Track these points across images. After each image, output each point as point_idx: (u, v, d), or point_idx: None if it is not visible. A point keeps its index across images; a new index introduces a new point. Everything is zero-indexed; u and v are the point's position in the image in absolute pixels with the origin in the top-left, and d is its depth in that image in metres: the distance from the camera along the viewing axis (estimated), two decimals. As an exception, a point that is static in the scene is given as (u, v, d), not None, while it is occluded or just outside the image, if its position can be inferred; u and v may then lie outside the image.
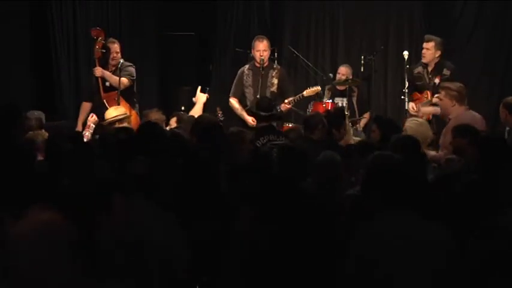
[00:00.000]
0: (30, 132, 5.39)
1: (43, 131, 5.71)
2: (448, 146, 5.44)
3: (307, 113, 7.85)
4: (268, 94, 7.49)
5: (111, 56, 7.37)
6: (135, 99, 7.46)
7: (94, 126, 6.90)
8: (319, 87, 7.72)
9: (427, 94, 7.31)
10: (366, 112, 8.33)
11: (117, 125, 6.34)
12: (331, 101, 8.01)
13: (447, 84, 6.43)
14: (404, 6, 9.28)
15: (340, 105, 8.02)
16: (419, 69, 7.55)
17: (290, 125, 7.72)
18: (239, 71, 7.73)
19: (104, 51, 7.30)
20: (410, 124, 5.73)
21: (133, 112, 7.19)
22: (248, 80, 7.59)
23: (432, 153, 5.77)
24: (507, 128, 6.02)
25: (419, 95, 7.47)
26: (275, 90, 7.55)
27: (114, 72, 7.29)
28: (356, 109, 8.26)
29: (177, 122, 6.58)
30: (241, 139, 5.11)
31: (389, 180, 3.03)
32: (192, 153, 4.32)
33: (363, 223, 3.02)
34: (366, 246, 2.90)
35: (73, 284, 2.56)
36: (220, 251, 3.42)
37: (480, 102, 7.59)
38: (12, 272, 2.47)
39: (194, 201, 3.63)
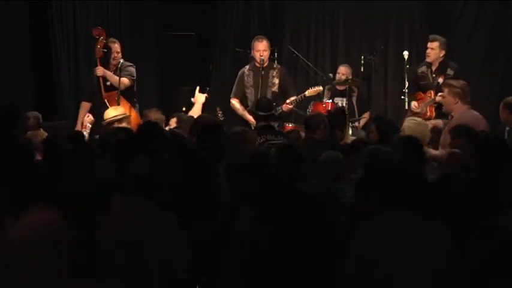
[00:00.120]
0: (29, 132, 5.39)
1: (41, 130, 5.71)
2: (448, 145, 5.46)
3: (307, 113, 7.85)
4: (269, 94, 7.50)
5: (112, 56, 7.37)
6: (135, 99, 7.46)
7: (90, 125, 6.91)
8: (320, 87, 7.72)
9: (431, 93, 7.32)
10: (366, 112, 8.33)
11: (116, 125, 6.34)
12: (331, 101, 8.01)
13: (451, 81, 6.46)
14: (404, 6, 9.28)
15: (340, 105, 8.02)
16: (423, 68, 7.55)
17: (290, 125, 7.72)
18: (239, 72, 7.73)
19: (106, 50, 7.29)
20: (408, 124, 5.74)
21: (134, 112, 7.19)
22: (249, 80, 7.59)
23: (432, 151, 5.79)
24: (507, 128, 6.02)
25: (422, 94, 7.47)
26: (276, 90, 7.56)
27: (114, 72, 7.29)
28: (356, 109, 8.26)
29: (177, 122, 6.59)
30: (245, 138, 5.11)
31: (389, 180, 3.03)
32: (191, 153, 4.32)
33: (363, 223, 3.02)
34: (366, 246, 2.90)
35: (73, 284, 2.56)
36: (220, 251, 3.42)
37: (480, 102, 7.59)
38: (12, 272, 2.47)
39: (194, 201, 3.63)
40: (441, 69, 7.42)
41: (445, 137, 5.76)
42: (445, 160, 5.00)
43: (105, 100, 7.16)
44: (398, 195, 2.99)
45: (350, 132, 7.15)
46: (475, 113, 6.14)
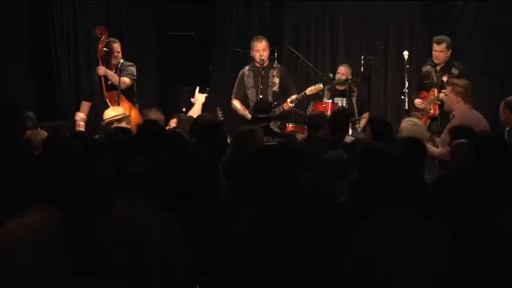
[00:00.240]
0: (29, 132, 5.39)
1: (38, 129, 5.70)
2: (447, 144, 5.48)
3: (307, 112, 7.86)
4: (270, 94, 7.51)
5: (113, 56, 7.37)
6: (135, 99, 7.47)
7: (83, 123, 6.92)
8: (321, 85, 7.71)
9: (434, 91, 7.32)
10: (366, 112, 8.33)
11: (115, 125, 6.34)
12: (331, 101, 8.01)
13: (454, 80, 6.48)
14: (404, 6, 9.29)
15: (340, 105, 8.02)
16: (428, 68, 7.55)
17: (291, 125, 7.73)
18: (240, 73, 7.74)
19: (107, 50, 7.29)
20: (405, 125, 5.74)
21: (135, 111, 7.19)
22: (249, 81, 7.60)
23: (433, 149, 5.80)
24: (507, 128, 6.03)
25: (426, 93, 7.47)
26: (277, 90, 7.56)
27: (114, 72, 7.29)
28: (356, 109, 8.26)
29: (177, 123, 6.59)
30: (253, 137, 5.11)
31: (389, 180, 3.03)
32: (191, 153, 4.32)
33: (363, 223, 3.02)
34: (366, 246, 2.90)
35: (73, 284, 2.56)
36: (220, 251, 3.42)
37: (480, 102, 7.59)
38: (12, 272, 2.46)
39: (194, 201, 3.63)
40: (446, 68, 7.42)
41: (445, 136, 5.77)
42: (452, 150, 5.02)
43: (106, 99, 7.16)
44: (398, 195, 2.99)
45: (350, 132, 7.15)
46: (476, 112, 6.15)
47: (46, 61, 8.62)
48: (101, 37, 7.30)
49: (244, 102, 7.59)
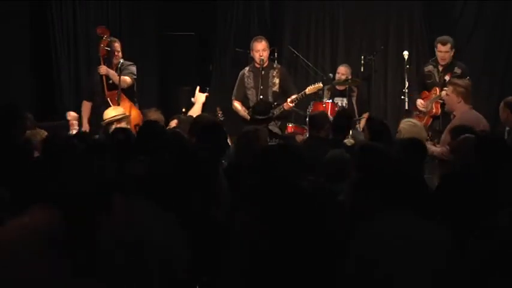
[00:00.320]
0: (28, 132, 5.39)
1: (37, 129, 5.69)
2: (448, 144, 5.49)
3: (307, 112, 7.86)
4: (270, 94, 7.51)
5: (114, 55, 7.37)
6: (135, 99, 7.47)
7: (76, 122, 6.92)
8: (321, 84, 7.70)
9: (436, 90, 7.31)
10: (366, 112, 8.33)
11: (115, 125, 6.34)
12: (331, 101, 8.01)
13: (456, 80, 6.48)
14: (404, 6, 9.30)
15: (339, 105, 8.02)
16: (430, 67, 7.54)
17: (291, 125, 7.73)
18: (240, 73, 7.74)
19: (109, 49, 7.29)
20: (404, 125, 5.74)
21: (136, 110, 7.19)
22: (249, 81, 7.60)
23: (433, 148, 5.80)
24: (507, 128, 6.03)
25: (427, 93, 7.47)
26: (277, 90, 7.56)
27: (115, 71, 7.29)
28: (356, 109, 8.27)
29: (178, 124, 6.59)
30: (257, 137, 5.11)
31: (389, 180, 3.03)
32: (191, 153, 4.32)
33: (363, 223, 3.02)
34: (366, 246, 2.90)
35: (73, 284, 2.56)
36: (220, 251, 3.42)
37: (480, 102, 7.60)
38: (12, 272, 2.46)
39: (194, 201, 3.62)
40: (449, 68, 7.42)
41: (446, 136, 5.77)
42: (448, 152, 5.02)
43: (108, 99, 7.15)
44: (398, 195, 2.99)
45: (350, 132, 7.14)
46: (476, 113, 6.15)
47: (46, 61, 8.63)
48: (103, 36, 7.29)
49: (245, 103, 7.59)
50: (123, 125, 6.34)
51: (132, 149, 4.45)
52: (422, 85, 7.58)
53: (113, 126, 6.29)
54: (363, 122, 8.18)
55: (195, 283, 3.40)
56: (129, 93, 7.26)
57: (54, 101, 8.65)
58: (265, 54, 7.56)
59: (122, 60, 7.25)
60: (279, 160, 3.85)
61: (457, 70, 7.36)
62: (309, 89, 7.56)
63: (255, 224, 3.32)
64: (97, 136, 6.25)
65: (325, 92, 8.35)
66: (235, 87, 7.71)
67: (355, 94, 8.36)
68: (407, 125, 5.73)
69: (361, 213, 3.16)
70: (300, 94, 7.48)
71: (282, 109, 7.43)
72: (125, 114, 6.69)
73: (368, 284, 2.85)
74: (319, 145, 5.38)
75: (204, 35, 9.61)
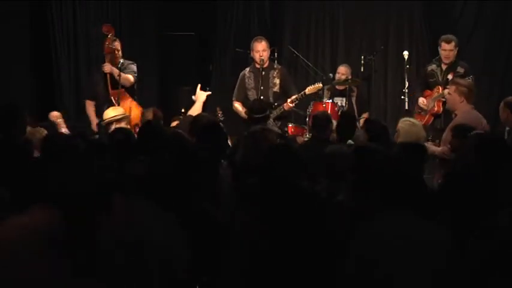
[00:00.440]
0: (29, 128, 5.38)
1: (37, 127, 5.68)
2: (448, 143, 5.52)
3: (307, 113, 7.85)
4: (270, 95, 7.51)
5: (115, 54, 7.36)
6: (135, 97, 7.46)
7: (62, 120, 6.91)
8: (320, 84, 7.70)
9: (439, 89, 7.31)
10: (365, 112, 8.33)
11: (115, 125, 6.34)
12: (330, 101, 8.01)
13: (458, 79, 6.48)
14: (404, 6, 9.30)
15: (339, 105, 8.02)
16: (433, 67, 7.54)
17: (291, 125, 7.72)
18: (240, 74, 7.73)
19: (114, 47, 7.27)
20: (402, 125, 5.73)
21: (139, 109, 7.18)
22: (250, 82, 7.60)
23: (434, 148, 5.81)
24: (507, 128, 6.03)
25: (429, 91, 7.47)
26: (278, 90, 7.56)
27: None
28: (355, 109, 8.26)
29: (178, 124, 6.58)
30: (265, 138, 5.11)
31: (388, 180, 3.03)
32: (191, 153, 4.32)
33: (363, 223, 3.02)
34: (366, 246, 2.90)
35: (73, 284, 2.56)
36: (220, 251, 3.42)
37: (480, 102, 7.60)
38: (12, 272, 2.46)
39: (193, 201, 3.63)
40: (452, 67, 7.42)
41: (447, 135, 5.78)
42: (449, 151, 5.03)
43: (111, 97, 7.13)
44: (398, 195, 2.99)
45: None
46: (477, 113, 6.16)
47: (46, 61, 8.63)
48: (108, 34, 7.27)
49: (246, 103, 7.58)
50: (122, 125, 6.34)
51: (132, 149, 4.45)
52: (425, 84, 7.57)
53: (113, 126, 6.30)
54: (362, 122, 8.18)
55: (195, 283, 3.40)
56: (131, 92, 7.26)
57: (54, 101, 8.65)
58: (266, 55, 7.56)
59: (122, 60, 7.25)
60: (279, 160, 3.85)
61: (460, 69, 7.36)
62: (309, 89, 7.55)
63: (255, 224, 3.32)
64: (97, 136, 6.25)
65: (325, 92, 8.35)
66: (236, 88, 7.71)
67: (354, 94, 8.36)
68: (406, 125, 5.73)
69: (361, 213, 3.17)
70: (299, 94, 7.48)
71: (282, 109, 7.43)
72: (124, 114, 6.69)
73: (368, 284, 2.85)
74: (322, 146, 5.37)
75: (204, 35, 9.61)
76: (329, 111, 7.42)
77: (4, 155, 4.06)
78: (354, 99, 8.32)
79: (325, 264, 3.16)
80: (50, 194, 2.64)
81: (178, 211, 3.19)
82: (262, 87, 7.49)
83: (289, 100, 7.42)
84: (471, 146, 4.44)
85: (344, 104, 8.08)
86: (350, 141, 5.88)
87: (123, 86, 7.12)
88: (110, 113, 6.66)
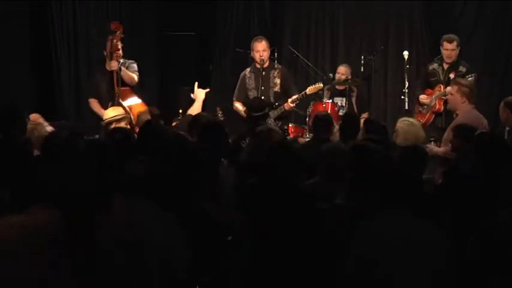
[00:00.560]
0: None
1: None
2: (449, 142, 5.52)
3: (307, 113, 7.85)
4: (271, 95, 7.51)
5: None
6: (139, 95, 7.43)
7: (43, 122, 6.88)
8: (321, 84, 7.69)
9: (440, 87, 7.31)
10: (365, 112, 8.33)
11: (114, 125, 6.34)
12: (330, 101, 8.01)
13: (460, 80, 6.48)
14: (404, 6, 9.29)
15: (339, 104, 8.02)
16: (435, 66, 7.53)
17: (291, 125, 7.72)
18: (241, 75, 7.73)
19: (122, 45, 7.24)
20: (401, 125, 5.73)
21: (145, 106, 7.16)
22: (251, 82, 7.60)
23: (435, 148, 5.80)
24: (507, 128, 6.03)
25: (430, 90, 7.47)
26: (278, 90, 7.56)
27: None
28: (355, 109, 8.26)
29: (176, 124, 6.57)
30: (270, 138, 5.11)
31: (388, 180, 3.04)
32: (191, 153, 4.32)
33: (363, 223, 3.02)
34: (366, 246, 2.90)
35: (73, 284, 2.56)
36: (220, 251, 3.42)
37: (480, 102, 7.60)
38: (12, 272, 2.46)
39: (193, 201, 3.63)
40: (454, 66, 7.41)
41: (448, 134, 5.78)
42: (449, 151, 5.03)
43: (117, 95, 7.09)
44: (398, 195, 2.99)
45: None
46: (478, 113, 6.16)
47: (46, 61, 8.63)
48: (116, 31, 7.24)
49: (246, 103, 7.58)
50: (122, 125, 6.33)
51: (132, 149, 4.44)
52: (426, 83, 7.57)
53: (112, 126, 6.29)
54: (362, 122, 8.17)
55: (195, 283, 3.40)
56: (135, 90, 7.25)
57: (54, 101, 8.64)
58: (266, 54, 7.56)
59: (122, 60, 7.24)
60: (279, 160, 3.85)
61: (462, 69, 7.36)
62: (310, 89, 7.55)
63: (255, 224, 3.32)
64: (97, 136, 6.25)
65: (325, 91, 8.35)
66: (237, 89, 7.70)
67: (354, 94, 8.35)
68: (405, 124, 5.72)
69: (361, 213, 3.17)
70: (300, 94, 7.48)
71: (283, 109, 7.43)
72: (124, 114, 6.68)
73: (368, 284, 2.85)
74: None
75: (204, 35, 9.60)
76: (329, 111, 7.42)
77: (4, 155, 4.06)
78: (354, 99, 8.31)
79: (325, 264, 3.16)
80: (50, 194, 2.64)
81: (178, 211, 3.19)
82: (262, 87, 7.48)
83: (289, 100, 7.42)
84: (472, 146, 4.45)
85: (344, 104, 8.07)
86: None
87: (127, 85, 7.10)
88: (110, 113, 6.66)
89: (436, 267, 2.84)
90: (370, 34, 9.35)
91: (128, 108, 6.90)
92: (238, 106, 7.58)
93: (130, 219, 3.03)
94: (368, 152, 3.69)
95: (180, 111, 7.45)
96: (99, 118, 6.84)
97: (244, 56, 8.73)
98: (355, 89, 8.37)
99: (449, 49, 7.35)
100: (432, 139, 6.16)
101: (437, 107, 7.28)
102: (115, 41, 7.16)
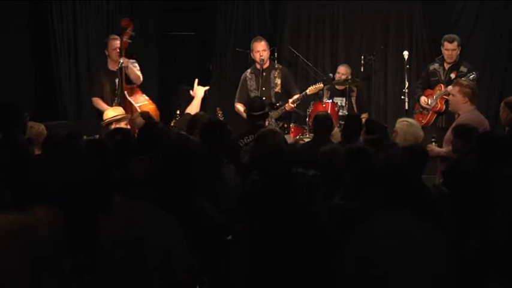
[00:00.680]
0: (30, 123, 5.35)
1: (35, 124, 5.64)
2: (450, 142, 5.53)
3: (307, 113, 7.85)
4: (272, 95, 7.51)
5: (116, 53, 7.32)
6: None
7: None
8: (321, 85, 7.69)
9: (441, 87, 7.31)
10: (365, 112, 8.33)
11: (114, 125, 6.33)
12: (330, 101, 8.00)
13: (462, 81, 6.47)
14: (404, 6, 9.29)
15: (339, 104, 8.02)
16: (436, 66, 7.53)
17: (291, 125, 7.72)
18: (242, 76, 7.73)
19: (131, 41, 7.22)
20: (400, 125, 5.73)
21: (153, 104, 7.15)
22: (252, 83, 7.60)
23: (437, 149, 5.80)
24: (507, 128, 6.03)
25: (431, 91, 7.47)
26: (279, 91, 7.56)
27: (117, 69, 7.21)
28: (355, 109, 8.26)
29: (175, 123, 6.57)
30: (273, 139, 5.11)
31: (389, 181, 3.04)
32: (190, 152, 4.32)
33: (362, 223, 3.02)
34: (364, 245, 2.90)
35: (73, 284, 2.56)
36: (219, 251, 3.43)
37: (480, 102, 7.59)
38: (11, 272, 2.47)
39: (193, 201, 3.63)
40: (454, 66, 7.41)
41: (449, 135, 5.78)
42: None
43: (125, 92, 7.07)
44: (397, 195, 2.99)
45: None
46: (479, 113, 6.16)
47: (46, 61, 8.62)
48: (127, 28, 7.23)
49: (247, 104, 7.58)
50: (122, 125, 6.33)
51: (132, 149, 4.45)
52: (427, 83, 7.57)
53: (112, 127, 6.29)
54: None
55: (195, 283, 3.40)
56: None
57: (54, 101, 8.64)
58: (266, 55, 7.55)
59: (121, 60, 7.23)
60: (278, 160, 3.86)
61: (463, 69, 7.36)
62: (310, 90, 7.55)
63: (255, 224, 3.32)
64: (97, 136, 6.24)
65: (325, 92, 8.34)
66: (238, 90, 7.70)
67: (354, 94, 8.35)
68: (403, 125, 5.72)
69: (360, 213, 3.17)
70: (301, 95, 7.48)
71: (284, 110, 7.43)
72: (124, 114, 6.68)
73: (366, 283, 2.85)
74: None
75: (204, 35, 9.60)
76: (329, 111, 7.42)
77: (4, 154, 4.07)
78: (353, 99, 8.31)
79: (324, 264, 3.16)
80: (50, 194, 2.65)
81: (178, 211, 3.19)
82: (263, 88, 7.48)
83: (290, 100, 7.42)
84: (472, 146, 4.45)
85: (344, 104, 8.07)
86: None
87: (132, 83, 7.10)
88: (110, 113, 6.66)
89: (435, 267, 2.84)
90: (370, 34, 9.35)
91: (136, 107, 6.90)
92: (240, 107, 7.58)
93: (130, 219, 3.03)
94: (367, 154, 3.70)
95: (178, 112, 7.44)
96: (99, 118, 6.83)
97: (244, 56, 8.72)
98: (355, 89, 8.36)
99: (450, 49, 7.35)
100: (433, 139, 6.15)
101: (438, 106, 7.28)
102: (125, 38, 7.15)
